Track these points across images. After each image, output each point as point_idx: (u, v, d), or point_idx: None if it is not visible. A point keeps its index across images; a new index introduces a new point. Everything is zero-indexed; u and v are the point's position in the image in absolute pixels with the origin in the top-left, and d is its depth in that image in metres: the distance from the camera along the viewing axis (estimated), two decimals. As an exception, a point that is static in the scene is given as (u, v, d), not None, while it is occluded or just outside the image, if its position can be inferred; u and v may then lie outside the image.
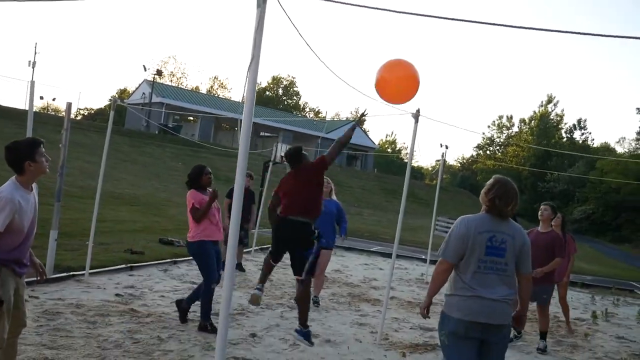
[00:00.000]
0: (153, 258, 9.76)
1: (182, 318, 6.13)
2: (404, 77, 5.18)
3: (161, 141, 36.31)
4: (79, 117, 56.49)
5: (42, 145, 3.66)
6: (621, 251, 38.21)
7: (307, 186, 5.46)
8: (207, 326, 5.85)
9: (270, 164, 13.92)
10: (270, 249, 5.76)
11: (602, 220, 47.88)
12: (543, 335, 6.86)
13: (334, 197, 8.04)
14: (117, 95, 66.12)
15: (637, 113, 58.06)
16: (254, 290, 5.61)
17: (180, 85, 65.07)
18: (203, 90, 70.67)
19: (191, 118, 50.60)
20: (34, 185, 3.76)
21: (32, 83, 7.65)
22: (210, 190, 6.11)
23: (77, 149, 24.51)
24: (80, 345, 4.94)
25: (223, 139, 51.22)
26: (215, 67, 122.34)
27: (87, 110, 65.03)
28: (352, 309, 7.97)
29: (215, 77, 78.59)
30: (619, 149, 60.05)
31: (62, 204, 8.16)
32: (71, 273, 7.66)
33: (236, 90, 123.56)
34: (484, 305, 3.58)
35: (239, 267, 9.71)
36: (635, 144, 55.26)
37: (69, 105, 7.94)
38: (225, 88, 78.11)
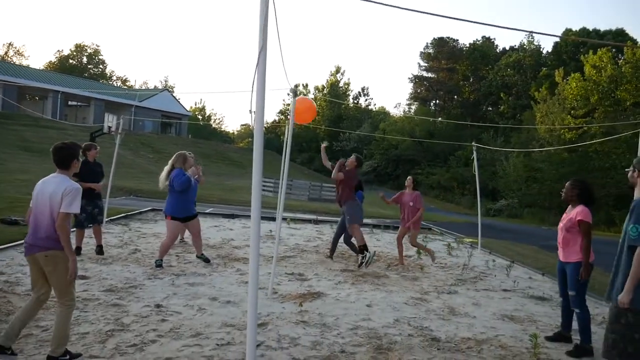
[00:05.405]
0: (7, 240, 8.52)
1: None
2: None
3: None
4: None
5: None
6: (401, 196, 42.70)
7: None
8: None
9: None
10: None
11: (385, 171, 52.99)
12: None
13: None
14: None
15: (409, 82, 64.58)
16: None
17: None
18: (-3, 57, 61.27)
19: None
20: None
21: None
22: None
23: None
24: None
25: (29, 109, 45.28)
26: (10, 33, 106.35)
27: None
28: (230, 269, 7.95)
29: (10, 44, 68.39)
30: (398, 113, 66.45)
31: None
32: None
33: (34, 58, 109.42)
34: None
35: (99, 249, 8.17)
36: (408, 108, 61.54)
37: None
38: (23, 55, 68.77)
